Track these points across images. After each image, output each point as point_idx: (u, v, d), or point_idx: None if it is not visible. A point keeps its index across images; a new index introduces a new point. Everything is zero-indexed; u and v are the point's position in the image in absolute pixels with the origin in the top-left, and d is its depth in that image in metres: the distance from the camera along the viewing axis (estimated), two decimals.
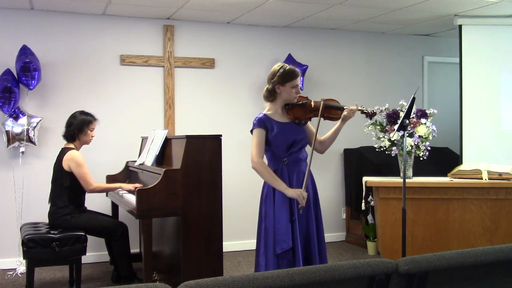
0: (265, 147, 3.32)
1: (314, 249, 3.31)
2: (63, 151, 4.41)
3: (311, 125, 3.50)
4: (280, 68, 3.35)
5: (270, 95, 3.36)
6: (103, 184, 4.59)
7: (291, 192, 3.23)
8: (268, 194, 3.29)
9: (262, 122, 3.30)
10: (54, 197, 4.41)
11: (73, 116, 4.49)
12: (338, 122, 3.43)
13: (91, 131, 4.51)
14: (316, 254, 3.31)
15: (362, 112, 3.48)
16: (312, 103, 3.38)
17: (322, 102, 3.37)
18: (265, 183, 3.35)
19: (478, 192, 4.73)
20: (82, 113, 4.51)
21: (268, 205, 3.28)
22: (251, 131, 3.33)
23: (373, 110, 3.52)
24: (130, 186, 4.47)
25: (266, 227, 3.27)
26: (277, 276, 1.73)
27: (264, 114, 3.34)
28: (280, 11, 5.54)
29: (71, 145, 4.46)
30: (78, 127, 4.43)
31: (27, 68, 4.97)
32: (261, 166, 3.27)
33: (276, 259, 3.21)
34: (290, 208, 3.26)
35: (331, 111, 3.42)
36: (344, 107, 3.40)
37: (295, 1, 5.15)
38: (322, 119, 3.39)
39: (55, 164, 4.44)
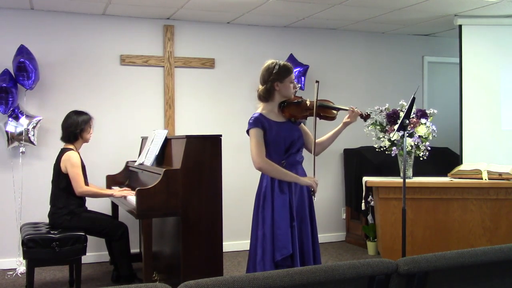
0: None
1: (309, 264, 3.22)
2: (62, 152, 4.41)
3: (307, 128, 3.42)
4: (275, 65, 3.24)
5: (268, 95, 3.25)
6: (94, 189, 4.51)
7: (304, 180, 3.21)
8: (267, 200, 3.17)
9: (259, 122, 3.18)
10: (54, 198, 4.41)
11: (70, 118, 4.46)
12: (340, 126, 3.40)
13: (91, 128, 4.53)
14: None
15: (361, 116, 3.45)
16: (308, 102, 3.33)
17: (316, 101, 3.32)
18: (259, 189, 3.25)
19: (478, 192, 4.73)
20: (78, 113, 4.48)
21: (267, 211, 3.16)
22: (247, 132, 3.20)
23: (367, 112, 3.49)
24: (121, 193, 4.43)
25: (264, 233, 3.15)
26: (277, 276, 1.73)
27: (260, 114, 3.22)
28: (280, 11, 5.54)
29: (71, 146, 4.45)
30: (81, 127, 4.44)
31: (23, 68, 4.95)
32: (266, 163, 3.14)
33: (275, 266, 3.09)
34: (290, 213, 3.16)
35: (326, 110, 3.38)
36: (349, 108, 3.38)
37: (295, 1, 5.15)
38: (317, 118, 3.34)
39: (54, 165, 4.45)
